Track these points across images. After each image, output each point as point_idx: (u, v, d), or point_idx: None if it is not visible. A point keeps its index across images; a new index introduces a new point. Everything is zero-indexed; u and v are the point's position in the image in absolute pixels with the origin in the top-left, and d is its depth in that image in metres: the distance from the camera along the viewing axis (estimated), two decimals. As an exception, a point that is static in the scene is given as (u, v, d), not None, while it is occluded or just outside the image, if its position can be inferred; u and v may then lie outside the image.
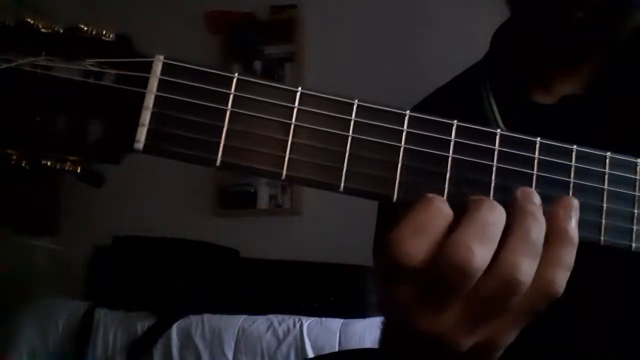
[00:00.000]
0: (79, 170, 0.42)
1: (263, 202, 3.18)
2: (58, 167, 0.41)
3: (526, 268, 0.44)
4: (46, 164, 0.41)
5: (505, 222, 0.45)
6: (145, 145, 0.43)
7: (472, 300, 0.44)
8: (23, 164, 0.40)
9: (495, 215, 0.44)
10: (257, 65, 3.31)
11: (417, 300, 0.45)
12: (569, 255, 0.46)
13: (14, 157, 0.40)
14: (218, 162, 0.43)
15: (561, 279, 0.45)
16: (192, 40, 3.23)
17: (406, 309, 0.45)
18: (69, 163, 0.41)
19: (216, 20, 3.29)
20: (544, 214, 0.46)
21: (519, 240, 0.44)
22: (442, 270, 0.43)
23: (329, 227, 2.83)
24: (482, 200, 0.45)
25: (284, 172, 0.45)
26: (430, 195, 0.46)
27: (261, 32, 3.29)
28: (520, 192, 0.47)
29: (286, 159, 0.45)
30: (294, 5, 3.25)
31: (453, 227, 0.44)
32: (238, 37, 3.28)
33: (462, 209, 0.46)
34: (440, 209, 0.45)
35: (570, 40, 0.72)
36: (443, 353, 0.46)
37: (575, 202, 0.48)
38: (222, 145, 0.43)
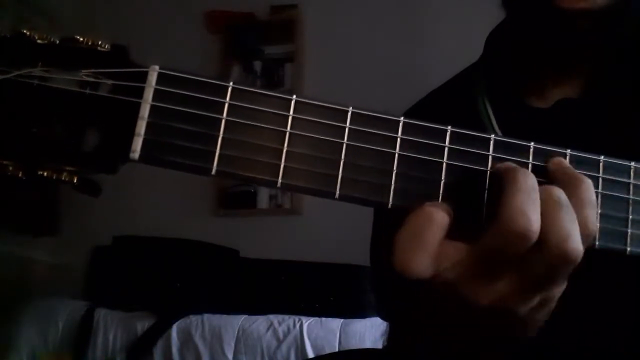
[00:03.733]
0: (75, 181, 0.42)
1: (263, 202, 3.18)
2: (54, 177, 0.41)
3: (576, 236, 0.45)
4: (42, 174, 0.41)
5: None
6: (141, 155, 0.43)
7: (526, 271, 0.45)
8: (19, 175, 0.40)
9: (534, 181, 0.46)
10: (257, 65, 3.30)
11: (468, 278, 0.46)
12: (590, 193, 0.48)
13: (11, 168, 0.40)
14: (213, 171, 0.44)
15: (593, 217, 0.47)
16: (192, 40, 3.23)
17: (457, 288, 0.46)
18: (65, 173, 0.42)
19: (216, 20, 3.29)
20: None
21: (558, 210, 0.45)
22: (502, 239, 0.44)
23: (329, 227, 2.83)
24: (519, 169, 0.46)
25: (280, 180, 0.45)
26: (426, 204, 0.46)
27: (261, 32, 3.29)
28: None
29: (281, 167, 0.45)
30: (294, 5, 3.25)
31: (502, 194, 0.45)
32: (238, 37, 3.28)
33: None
34: (431, 217, 0.46)
35: (571, 40, 0.72)
36: (503, 320, 0.47)
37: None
38: (217, 154, 0.44)
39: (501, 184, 0.46)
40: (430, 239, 0.45)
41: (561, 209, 0.46)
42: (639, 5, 0.72)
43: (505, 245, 0.44)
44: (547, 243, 0.45)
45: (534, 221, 0.44)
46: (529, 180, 0.46)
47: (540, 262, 0.45)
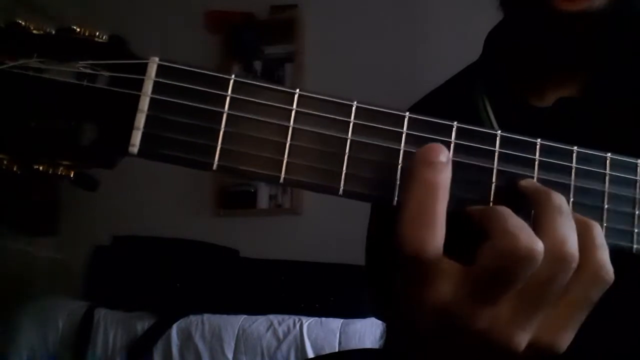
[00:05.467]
0: (72, 175, 0.41)
1: (263, 202, 3.19)
2: (51, 172, 0.40)
3: (572, 240, 0.44)
4: (38, 168, 0.40)
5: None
6: (140, 149, 0.42)
7: (524, 287, 0.43)
8: (14, 169, 0.39)
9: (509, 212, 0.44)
10: (257, 65, 3.31)
11: (466, 298, 0.43)
12: (602, 236, 0.46)
13: (5, 162, 0.39)
14: (215, 166, 0.43)
15: (607, 259, 0.45)
16: (192, 40, 3.23)
17: (454, 309, 0.44)
18: (62, 168, 0.41)
19: (216, 20, 3.30)
20: None
21: (555, 215, 0.44)
22: (508, 265, 0.42)
23: (329, 227, 2.83)
24: (496, 209, 0.45)
25: (282, 176, 0.44)
26: (422, 167, 0.44)
27: (261, 32, 3.30)
28: (526, 182, 0.48)
29: (284, 162, 0.44)
30: (294, 5, 3.25)
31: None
32: (238, 37, 3.28)
33: (460, 214, 0.46)
34: (434, 185, 0.43)
35: (569, 42, 0.72)
36: (498, 355, 0.45)
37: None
38: (218, 148, 0.43)
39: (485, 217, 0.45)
40: (439, 211, 0.43)
41: (559, 216, 0.44)
42: (638, 4, 0.72)
43: (501, 266, 0.42)
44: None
45: (534, 238, 0.42)
46: (505, 211, 0.44)
47: (537, 271, 0.43)
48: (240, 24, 3.29)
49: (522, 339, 0.44)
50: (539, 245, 0.42)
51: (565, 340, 0.46)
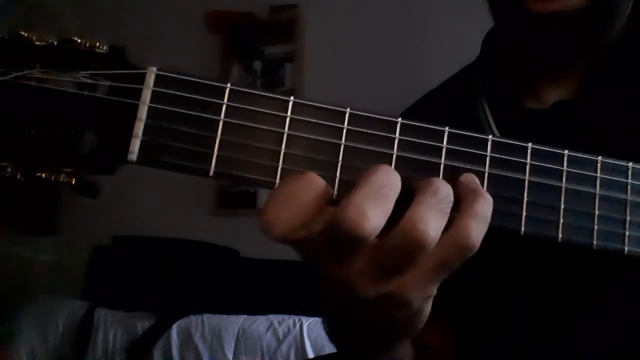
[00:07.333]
0: (73, 182, 0.42)
1: (263, 202, 3.17)
2: (53, 179, 0.41)
3: (433, 223, 0.43)
4: (41, 176, 0.41)
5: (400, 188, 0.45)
6: (138, 157, 0.43)
7: (376, 253, 0.44)
8: (18, 177, 0.40)
9: (389, 178, 0.44)
10: (257, 65, 3.31)
11: (323, 252, 0.45)
12: (484, 208, 0.45)
13: (9, 170, 0.40)
14: (211, 173, 0.44)
15: (477, 231, 0.44)
16: (192, 40, 3.23)
17: (315, 257, 0.46)
18: (63, 175, 0.42)
19: (216, 20, 3.30)
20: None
21: (426, 195, 0.44)
22: (336, 232, 0.43)
23: (328, 227, 2.83)
24: (378, 166, 0.45)
25: (277, 181, 0.45)
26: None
27: (261, 32, 3.29)
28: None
29: (279, 168, 0.45)
30: (294, 5, 3.25)
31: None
32: (238, 37, 3.28)
33: None
34: (309, 181, 0.45)
35: (548, 43, 0.72)
36: (351, 298, 0.46)
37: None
38: (215, 155, 0.44)
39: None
40: (304, 198, 0.44)
41: (430, 197, 0.44)
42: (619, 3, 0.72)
43: (340, 237, 0.43)
44: (399, 222, 0.43)
45: (371, 219, 0.42)
46: (386, 177, 0.44)
47: (388, 242, 0.43)
48: (240, 24, 3.29)
49: (372, 292, 0.45)
50: (365, 224, 0.42)
51: (417, 297, 0.46)
